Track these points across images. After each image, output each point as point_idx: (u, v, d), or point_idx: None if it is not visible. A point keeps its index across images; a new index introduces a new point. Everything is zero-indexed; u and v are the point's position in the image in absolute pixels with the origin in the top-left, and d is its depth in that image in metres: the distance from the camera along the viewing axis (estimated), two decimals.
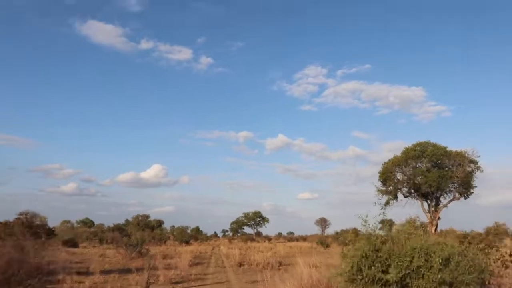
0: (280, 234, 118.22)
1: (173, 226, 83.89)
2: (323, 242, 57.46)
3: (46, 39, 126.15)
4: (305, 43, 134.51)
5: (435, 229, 37.98)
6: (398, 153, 39.53)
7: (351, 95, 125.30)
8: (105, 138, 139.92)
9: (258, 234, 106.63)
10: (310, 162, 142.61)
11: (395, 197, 40.76)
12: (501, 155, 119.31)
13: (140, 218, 72.47)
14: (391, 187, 40.22)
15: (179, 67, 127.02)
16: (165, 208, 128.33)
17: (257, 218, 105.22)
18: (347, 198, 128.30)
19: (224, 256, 37.04)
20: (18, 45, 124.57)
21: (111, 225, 72.03)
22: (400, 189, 40.21)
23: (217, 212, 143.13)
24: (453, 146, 37.61)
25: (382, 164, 40.08)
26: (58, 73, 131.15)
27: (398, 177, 39.77)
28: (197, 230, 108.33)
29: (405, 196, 40.14)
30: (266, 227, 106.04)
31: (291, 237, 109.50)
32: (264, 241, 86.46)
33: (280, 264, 25.16)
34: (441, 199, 38.84)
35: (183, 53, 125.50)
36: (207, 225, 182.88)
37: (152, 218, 79.99)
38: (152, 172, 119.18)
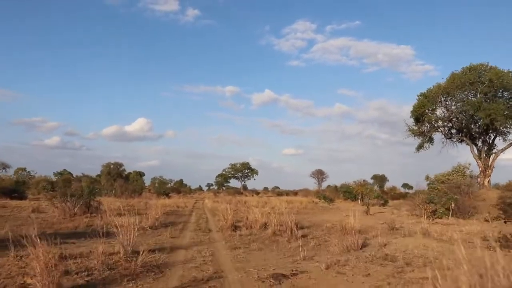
0: (266, 189, 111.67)
1: (155, 178, 74.18)
2: (326, 196, 48.47)
3: None
4: None
5: (489, 181, 28.95)
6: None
7: (339, 52, 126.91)
8: (90, 91, 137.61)
9: (244, 188, 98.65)
10: (296, 118, 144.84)
11: (431, 140, 31.49)
12: None
13: (111, 166, 62.65)
14: (426, 126, 30.81)
15: (165, 19, 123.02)
16: (150, 162, 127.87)
17: (245, 170, 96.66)
18: (332, 154, 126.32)
19: (208, 212, 27.85)
20: None
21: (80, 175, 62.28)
22: (439, 128, 30.82)
23: (203, 166, 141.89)
24: None
25: (418, 96, 30.37)
26: (39, 24, 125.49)
27: (438, 113, 30.30)
28: (180, 183, 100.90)
29: (448, 138, 30.82)
30: (254, 179, 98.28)
31: (279, 192, 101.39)
32: (252, 195, 79.33)
33: (297, 226, 15.66)
34: (496, 142, 29.75)
35: (169, 4, 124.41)
36: (193, 179, 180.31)
37: (132, 169, 71.22)
38: (137, 125, 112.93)
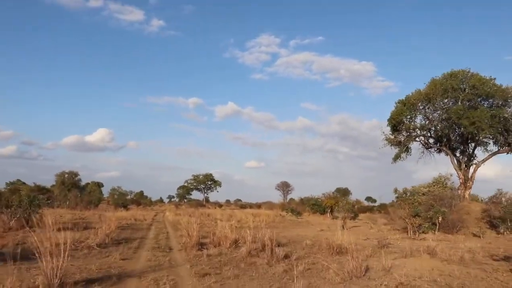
0: (228, 201, 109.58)
1: (114, 189, 70.02)
2: (294, 209, 46.24)
3: None
4: (259, 11, 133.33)
5: (469, 193, 27.43)
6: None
7: (303, 66, 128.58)
8: (49, 101, 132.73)
9: (207, 200, 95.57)
10: (259, 131, 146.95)
11: (407, 150, 29.85)
12: None
13: (66, 175, 58.36)
14: (403, 135, 29.17)
15: (130, 29, 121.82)
16: (111, 173, 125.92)
17: (208, 182, 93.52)
18: (294, 168, 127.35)
19: (169, 226, 25.12)
20: None
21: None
22: (417, 137, 29.22)
23: (164, 178, 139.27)
24: None
25: (396, 103, 28.71)
26: None
27: (417, 121, 28.69)
28: (140, 194, 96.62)
29: (427, 148, 29.23)
30: (218, 191, 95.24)
31: (242, 204, 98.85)
32: (215, 208, 76.62)
33: (273, 243, 13.15)
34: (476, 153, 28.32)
35: (134, 14, 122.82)
36: (154, 191, 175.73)
37: (90, 180, 66.86)
38: (98, 135, 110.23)
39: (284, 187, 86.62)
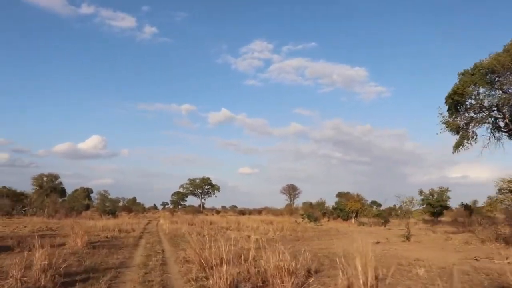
0: (224, 207, 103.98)
1: (101, 194, 62.72)
2: (311, 215, 39.33)
3: None
4: (251, 17, 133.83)
5: None
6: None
7: (296, 72, 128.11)
8: (40, 108, 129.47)
9: (202, 206, 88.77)
10: (252, 137, 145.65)
11: (474, 137, 23.13)
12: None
13: (44, 178, 51.10)
14: (467, 116, 22.43)
15: (122, 35, 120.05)
16: (104, 181, 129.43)
17: (205, 186, 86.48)
18: (287, 174, 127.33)
19: (165, 239, 18.33)
20: None
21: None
22: (485, 119, 22.50)
23: (158, 185, 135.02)
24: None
25: (459, 74, 21.90)
26: None
27: (490, 98, 21.94)
28: (133, 201, 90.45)
29: (497, 131, 22.52)
30: (216, 196, 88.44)
31: (242, 211, 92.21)
32: (213, 214, 71.38)
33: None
34: None
35: (126, 21, 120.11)
36: (147, 198, 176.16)
37: (78, 187, 59.75)
38: (90, 143, 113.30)
39: (291, 190, 79.55)
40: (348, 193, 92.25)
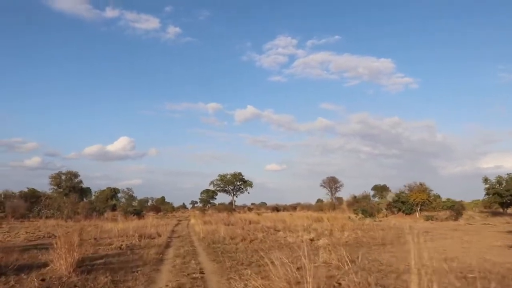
0: (254, 204, 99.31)
1: (125, 192, 58.23)
2: (366, 210, 33.40)
3: (2, 6, 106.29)
4: (274, 13, 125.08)
5: None
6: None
7: (320, 66, 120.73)
8: (70, 111, 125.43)
9: (233, 204, 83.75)
10: (278, 133, 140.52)
11: None
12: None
13: (63, 177, 46.50)
14: None
15: (146, 37, 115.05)
16: (133, 181, 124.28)
17: (237, 182, 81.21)
18: (314, 169, 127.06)
19: (203, 250, 13.01)
20: None
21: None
22: None
23: (186, 184, 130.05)
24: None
25: None
26: (17, 43, 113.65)
27: None
28: (162, 200, 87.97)
29: None
30: (248, 192, 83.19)
31: (276, 207, 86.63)
32: (245, 212, 66.14)
33: None
34: None
35: (150, 22, 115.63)
36: (176, 197, 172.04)
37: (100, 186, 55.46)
38: (119, 144, 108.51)
39: (332, 183, 73.25)
40: (384, 186, 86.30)
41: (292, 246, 14.49)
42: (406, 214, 32.51)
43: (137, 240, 15.73)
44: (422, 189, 33.94)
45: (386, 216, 34.02)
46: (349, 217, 32.95)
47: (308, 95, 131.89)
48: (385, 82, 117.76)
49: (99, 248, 13.47)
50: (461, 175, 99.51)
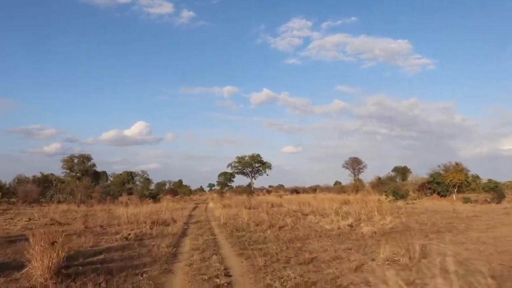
0: (271, 187, 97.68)
1: (139, 175, 56.49)
2: (396, 191, 30.89)
3: None
4: None
5: None
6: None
7: (336, 48, 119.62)
8: (86, 97, 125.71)
9: (251, 186, 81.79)
10: (294, 116, 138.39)
11: None
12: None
13: (75, 160, 44.74)
14: None
15: (160, 22, 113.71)
16: (150, 165, 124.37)
17: (255, 164, 79.12)
18: (330, 152, 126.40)
19: (224, 237, 10.79)
20: None
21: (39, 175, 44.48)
22: None
23: (203, 167, 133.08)
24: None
25: None
26: (33, 31, 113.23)
27: None
28: (179, 184, 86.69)
29: None
30: (267, 174, 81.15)
31: (295, 189, 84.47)
32: (264, 194, 64.43)
33: None
34: None
35: (163, 7, 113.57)
36: (193, 181, 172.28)
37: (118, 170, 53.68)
38: (135, 129, 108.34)
39: (355, 164, 70.48)
40: (405, 167, 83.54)
41: (331, 234, 12.21)
42: (441, 196, 29.93)
43: (149, 228, 13.59)
44: (459, 169, 31.28)
45: (419, 198, 31.47)
46: (379, 199, 30.54)
47: (323, 77, 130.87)
48: (402, 63, 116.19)
49: (103, 239, 11.36)
50: (480, 156, 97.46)
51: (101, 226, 14.56)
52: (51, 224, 16.06)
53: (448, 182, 29.74)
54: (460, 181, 29.36)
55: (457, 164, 32.51)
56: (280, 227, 13.82)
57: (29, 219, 18.60)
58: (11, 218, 19.59)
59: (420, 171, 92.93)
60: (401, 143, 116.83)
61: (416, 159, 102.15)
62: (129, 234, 11.90)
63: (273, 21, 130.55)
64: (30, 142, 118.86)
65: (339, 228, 13.60)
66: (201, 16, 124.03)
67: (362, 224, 14.37)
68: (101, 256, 8.32)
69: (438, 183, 30.60)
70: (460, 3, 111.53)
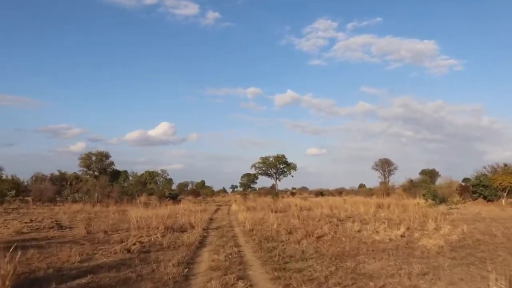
0: (294, 189, 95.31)
1: (158, 174, 54.56)
2: (436, 194, 27.99)
3: None
4: None
5: None
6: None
7: (361, 49, 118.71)
8: (112, 97, 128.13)
9: (275, 188, 79.23)
10: (318, 117, 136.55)
11: None
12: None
13: (93, 158, 43.05)
14: None
15: (186, 23, 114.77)
16: (174, 166, 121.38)
17: (280, 165, 76.52)
18: (354, 153, 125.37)
19: (252, 250, 8.47)
20: (17, 5, 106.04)
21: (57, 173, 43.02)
22: None
23: (226, 168, 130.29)
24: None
25: None
26: (60, 32, 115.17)
27: None
28: (202, 184, 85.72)
29: None
30: (292, 176, 78.18)
31: (320, 191, 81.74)
32: (288, 196, 61.44)
33: None
34: None
35: (189, 8, 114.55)
36: (216, 182, 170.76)
37: (142, 171, 51.93)
38: (160, 130, 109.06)
39: (385, 166, 67.30)
40: (433, 170, 79.97)
41: (385, 248, 9.73)
42: (488, 200, 27.02)
43: (160, 236, 11.30)
44: (509, 171, 28.24)
45: (462, 202, 28.54)
46: (418, 203, 27.81)
47: (348, 78, 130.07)
48: (429, 64, 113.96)
49: (101, 250, 9.11)
50: (509, 159, 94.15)
51: (105, 232, 12.35)
52: (50, 228, 13.97)
53: (496, 186, 26.81)
54: (511, 185, 26.41)
55: (506, 165, 29.46)
56: (318, 237, 11.40)
57: (30, 220, 16.64)
58: (12, 219, 17.59)
59: (449, 174, 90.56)
60: (427, 146, 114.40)
61: (442, 162, 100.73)
62: (134, 244, 9.64)
63: (298, 22, 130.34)
64: (56, 141, 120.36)
65: (390, 239, 11.11)
66: (226, 17, 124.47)
67: (416, 234, 11.86)
68: (85, 280, 6.06)
69: (485, 186, 27.67)
70: (487, 3, 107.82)
